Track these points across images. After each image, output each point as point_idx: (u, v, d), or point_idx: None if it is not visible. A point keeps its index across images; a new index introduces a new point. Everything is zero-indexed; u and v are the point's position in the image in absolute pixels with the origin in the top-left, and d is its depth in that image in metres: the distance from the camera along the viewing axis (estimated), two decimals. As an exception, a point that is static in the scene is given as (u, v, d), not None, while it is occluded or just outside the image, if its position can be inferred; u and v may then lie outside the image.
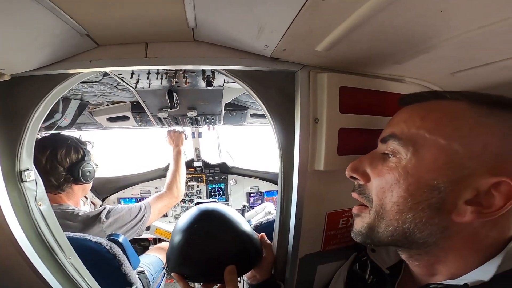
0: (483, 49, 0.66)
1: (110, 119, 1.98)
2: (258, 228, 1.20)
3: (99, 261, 1.17)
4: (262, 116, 2.09)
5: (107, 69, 0.77)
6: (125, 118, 1.99)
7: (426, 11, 0.52)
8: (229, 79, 1.28)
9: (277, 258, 0.97)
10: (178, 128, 2.09)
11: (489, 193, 0.50)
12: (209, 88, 1.33)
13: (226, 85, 1.37)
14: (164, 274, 2.01)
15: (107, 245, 1.19)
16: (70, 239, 1.03)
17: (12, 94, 0.79)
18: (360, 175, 0.64)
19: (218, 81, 1.31)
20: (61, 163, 1.35)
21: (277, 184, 2.64)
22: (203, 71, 1.15)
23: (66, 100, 1.67)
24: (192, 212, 0.96)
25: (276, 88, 0.84)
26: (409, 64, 0.78)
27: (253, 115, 2.09)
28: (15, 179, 0.83)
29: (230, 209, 0.98)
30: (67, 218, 1.33)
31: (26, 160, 0.84)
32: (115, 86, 1.49)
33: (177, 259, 0.89)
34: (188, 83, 1.23)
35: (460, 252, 0.55)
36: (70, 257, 0.98)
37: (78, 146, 1.42)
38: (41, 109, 0.81)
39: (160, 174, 2.70)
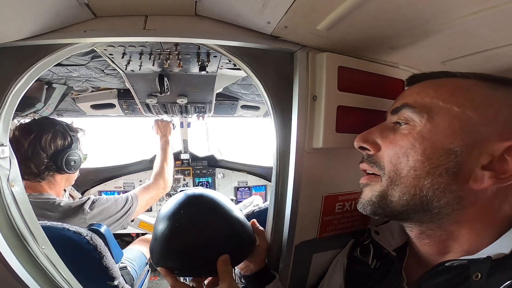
0: (474, 37, 0.69)
1: (94, 107, 1.91)
2: (250, 217, 1.14)
3: (78, 252, 1.10)
4: (253, 108, 2.09)
5: (101, 40, 0.74)
6: (111, 105, 1.92)
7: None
8: (223, 64, 1.29)
9: (272, 246, 0.94)
10: (166, 117, 2.05)
11: (502, 158, 0.51)
12: (202, 73, 1.32)
13: (219, 71, 1.35)
14: (148, 270, 1.97)
15: (87, 235, 1.11)
16: (46, 228, 0.96)
17: None
18: (370, 145, 0.63)
19: (212, 67, 1.30)
20: (44, 149, 1.28)
21: (265, 179, 2.64)
22: (198, 54, 1.13)
23: (50, 88, 1.60)
24: (177, 197, 0.86)
25: (274, 68, 0.83)
26: (403, 51, 0.80)
27: (243, 107, 2.08)
28: None
29: (219, 194, 0.90)
30: (47, 209, 1.26)
31: (2, 134, 0.78)
32: (103, 71, 1.44)
33: (162, 251, 0.79)
34: (181, 66, 1.21)
35: (473, 226, 0.55)
36: (43, 247, 0.90)
37: (66, 133, 1.35)
38: (23, 81, 0.76)
39: (145, 166, 2.63)
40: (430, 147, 0.54)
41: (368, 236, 0.81)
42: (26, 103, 1.53)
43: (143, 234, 2.38)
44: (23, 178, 1.25)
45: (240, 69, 1.33)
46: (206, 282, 0.89)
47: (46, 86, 1.59)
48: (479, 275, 0.49)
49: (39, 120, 1.33)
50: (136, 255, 1.86)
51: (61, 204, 1.28)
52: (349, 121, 0.79)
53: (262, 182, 2.79)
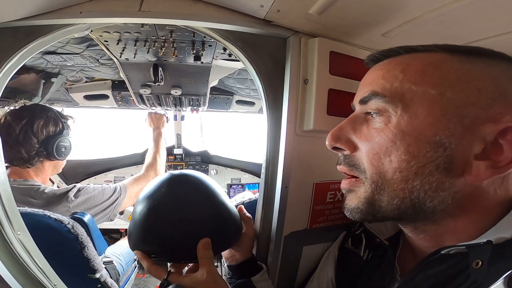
0: (465, 27, 0.71)
1: (88, 97, 1.91)
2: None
3: (57, 241, 1.05)
4: (248, 103, 2.10)
5: (97, 21, 0.74)
6: (104, 96, 1.92)
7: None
8: (218, 55, 1.30)
9: (261, 236, 0.91)
10: (159, 110, 2.05)
11: (496, 143, 0.45)
12: (197, 63, 1.33)
13: (214, 62, 1.36)
14: (136, 266, 1.93)
15: (68, 223, 1.06)
16: (25, 214, 0.93)
17: None
18: (344, 144, 0.56)
19: (207, 58, 1.31)
20: (36, 135, 1.27)
21: (259, 177, 2.64)
22: (193, 42, 1.14)
23: (47, 83, 1.60)
24: (161, 177, 0.82)
25: (266, 53, 0.84)
26: (396, 40, 0.80)
27: (239, 102, 2.09)
28: None
29: (206, 176, 0.86)
30: (30, 195, 1.24)
31: None
32: (98, 60, 1.44)
33: (139, 232, 0.74)
34: (176, 55, 1.21)
35: (470, 216, 0.49)
36: (19, 233, 0.86)
37: (58, 119, 1.34)
38: (15, 60, 0.75)
39: (137, 160, 2.61)
40: (414, 142, 0.47)
41: (360, 226, 0.77)
42: (23, 96, 1.53)
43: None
44: (12, 164, 1.26)
45: (235, 61, 1.37)
46: (186, 270, 0.85)
47: (44, 81, 1.59)
48: (480, 262, 0.43)
49: (31, 106, 1.32)
50: (124, 250, 1.82)
51: (46, 191, 1.26)
52: (341, 104, 0.79)
53: (255, 179, 2.79)
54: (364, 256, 0.72)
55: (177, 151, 2.67)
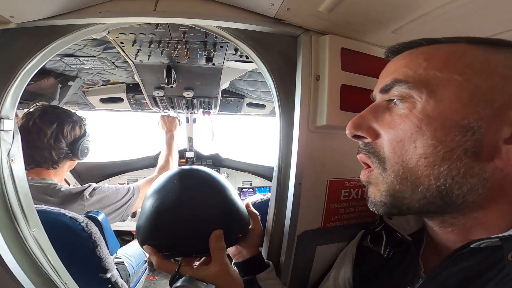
0: (476, 22, 0.70)
1: (103, 100, 1.96)
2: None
3: (71, 239, 1.06)
4: (259, 106, 2.11)
5: (115, 20, 0.77)
6: (119, 100, 1.97)
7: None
8: (229, 56, 1.32)
9: (273, 235, 0.90)
10: (172, 113, 2.08)
11: None
12: (208, 65, 1.35)
13: (225, 63, 1.39)
14: (146, 268, 1.95)
15: (83, 221, 1.08)
16: (42, 212, 0.94)
17: (11, 43, 0.77)
18: (365, 132, 0.54)
19: (218, 59, 1.33)
20: (65, 138, 1.33)
21: (270, 181, 2.62)
22: (205, 44, 1.16)
23: (64, 86, 1.66)
24: (171, 171, 0.83)
25: (277, 51, 0.85)
26: (405, 36, 0.79)
27: (249, 104, 2.11)
28: None
29: (216, 173, 0.86)
30: (47, 193, 1.28)
31: (9, 108, 0.80)
32: (113, 63, 1.49)
33: (149, 226, 0.74)
34: (188, 57, 1.24)
35: (501, 207, 0.47)
36: (34, 230, 0.87)
37: (80, 122, 1.40)
38: (37, 60, 0.78)
39: (150, 163, 2.66)
40: (441, 127, 0.46)
41: (380, 223, 0.75)
42: (41, 99, 1.59)
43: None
44: (40, 166, 1.31)
45: (246, 62, 1.38)
46: (196, 264, 0.84)
47: (61, 85, 1.65)
48: None
49: (55, 110, 1.37)
50: (136, 252, 1.84)
51: (62, 190, 1.30)
52: (354, 100, 0.79)
53: (266, 183, 2.78)
54: (384, 253, 0.69)
55: (188, 154, 2.70)
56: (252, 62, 1.38)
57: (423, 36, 0.59)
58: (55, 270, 0.91)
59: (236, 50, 1.26)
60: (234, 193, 0.84)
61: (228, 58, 1.34)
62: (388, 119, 0.52)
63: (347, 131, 0.57)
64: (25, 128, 1.24)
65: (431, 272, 0.54)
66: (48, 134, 1.28)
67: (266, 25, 0.80)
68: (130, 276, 1.60)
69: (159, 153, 2.46)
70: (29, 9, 0.70)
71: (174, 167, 1.85)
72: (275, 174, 0.90)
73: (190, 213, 0.74)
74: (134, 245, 1.96)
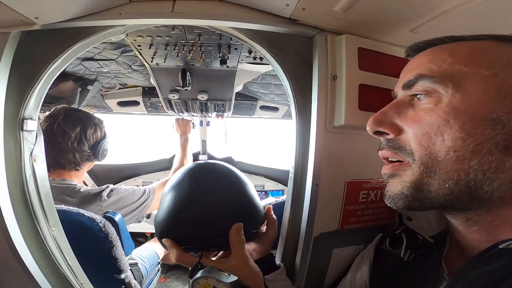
0: (497, 20, 0.68)
1: (120, 104, 2.01)
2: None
3: (89, 239, 1.09)
4: (272, 108, 2.12)
5: (134, 22, 0.79)
6: (135, 103, 2.02)
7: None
8: (243, 58, 1.33)
9: (288, 237, 0.89)
10: (186, 116, 2.11)
11: None
12: (222, 67, 1.37)
13: (239, 66, 1.40)
14: (159, 269, 1.96)
15: (100, 222, 1.11)
16: (61, 212, 0.95)
17: (36, 45, 0.80)
18: (388, 128, 0.54)
19: (232, 61, 1.35)
20: (88, 141, 1.38)
21: (283, 184, 2.59)
22: (219, 46, 1.17)
23: (84, 90, 1.71)
24: (188, 166, 0.84)
25: (293, 52, 0.85)
26: (424, 34, 0.78)
27: (263, 107, 2.11)
28: (15, 126, 0.81)
29: (234, 167, 0.87)
30: (67, 194, 1.32)
31: (32, 109, 0.82)
32: (130, 66, 1.53)
33: (169, 220, 0.75)
34: (203, 59, 1.26)
35: None
36: (53, 229, 0.89)
37: (100, 125, 1.45)
38: (60, 61, 0.81)
39: (164, 165, 2.69)
40: (469, 120, 0.45)
41: (400, 225, 0.73)
42: (62, 103, 1.64)
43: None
44: (63, 168, 1.35)
45: (260, 64, 1.39)
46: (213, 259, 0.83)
47: (80, 89, 1.71)
48: None
49: (78, 114, 1.41)
50: (149, 253, 1.87)
51: (81, 190, 1.34)
52: (372, 99, 0.78)
53: (279, 186, 2.77)
54: (405, 256, 0.68)
55: (202, 157, 2.72)
56: (266, 64, 1.40)
57: (443, 34, 0.58)
58: (72, 270, 0.92)
59: (250, 52, 1.27)
60: (252, 188, 0.84)
61: (242, 60, 1.35)
62: (411, 114, 0.52)
63: (368, 128, 0.57)
64: (50, 131, 1.29)
65: (456, 274, 0.51)
66: (72, 137, 1.33)
67: (281, 25, 0.80)
68: (143, 278, 1.61)
69: (173, 156, 2.49)
70: (53, 11, 0.72)
71: None
72: (291, 175, 0.89)
73: (210, 207, 0.74)
74: (148, 246, 1.99)
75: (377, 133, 0.56)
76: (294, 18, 0.80)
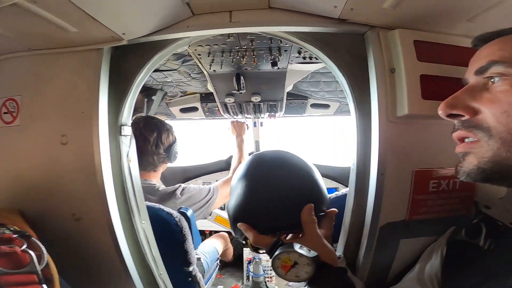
0: None
1: (182, 110, 2.21)
2: None
3: (166, 232, 1.20)
4: (323, 106, 2.12)
5: (200, 33, 0.90)
6: (195, 109, 2.19)
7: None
8: (293, 59, 1.38)
9: (352, 227, 0.90)
10: (240, 119, 2.23)
11: None
12: (273, 69, 1.44)
13: (289, 66, 1.45)
14: (217, 265, 2.08)
15: (176, 217, 1.23)
16: (146, 207, 1.06)
17: (124, 59, 0.94)
18: (462, 110, 0.57)
19: (282, 63, 1.41)
20: (163, 144, 1.56)
21: (337, 182, 2.51)
22: (270, 49, 1.25)
23: (149, 101, 1.93)
24: (255, 155, 0.89)
25: (345, 49, 0.88)
26: (482, 23, 0.75)
27: (313, 105, 2.12)
28: (116, 132, 0.95)
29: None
30: (149, 193, 1.50)
31: (126, 116, 0.97)
32: (190, 75, 1.68)
33: (243, 205, 0.80)
34: (256, 63, 1.35)
35: None
36: (143, 222, 1.00)
37: (172, 130, 1.63)
38: (143, 74, 0.95)
39: (222, 166, 2.80)
40: None
41: (477, 214, 0.71)
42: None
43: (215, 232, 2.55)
44: (145, 169, 1.54)
45: (309, 63, 1.42)
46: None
47: (146, 99, 1.94)
48: None
49: (153, 120, 1.61)
50: (210, 249, 2.00)
51: (160, 189, 1.53)
52: (436, 88, 0.77)
53: (332, 184, 2.72)
54: (485, 245, 0.65)
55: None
56: (316, 63, 1.43)
57: (502, 23, 0.62)
58: (155, 260, 1.03)
59: (299, 52, 1.32)
60: (318, 172, 0.87)
61: (292, 61, 1.41)
62: (487, 96, 0.55)
63: (440, 111, 0.60)
64: (133, 137, 1.50)
65: None
66: (151, 142, 1.52)
67: (331, 26, 0.85)
68: (204, 272, 1.73)
69: (229, 157, 2.63)
70: (136, 27, 0.85)
71: None
72: (353, 167, 0.91)
73: (282, 189, 0.79)
74: (209, 243, 2.13)
75: (451, 116, 0.60)
76: (343, 18, 0.83)
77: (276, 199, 0.78)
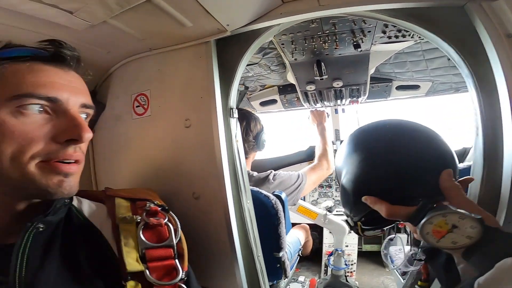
0: None
1: (262, 103, 2.31)
2: None
3: (263, 215, 1.20)
4: (411, 87, 1.96)
5: (292, 18, 0.94)
6: (273, 101, 2.27)
7: None
8: (377, 39, 1.33)
9: (482, 199, 0.82)
10: (319, 108, 2.22)
11: None
12: (356, 51, 1.41)
13: (373, 48, 1.41)
14: (298, 256, 2.06)
15: (273, 199, 1.27)
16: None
17: (227, 49, 1.04)
18: None
19: (365, 45, 1.37)
20: (252, 132, 1.66)
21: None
22: (353, 31, 1.23)
23: (239, 94, 2.05)
24: (367, 125, 0.80)
25: (447, 22, 0.84)
26: None
27: (399, 87, 1.98)
28: (227, 114, 1.03)
29: None
30: None
31: (233, 100, 1.06)
32: (269, 67, 1.76)
33: (369, 176, 0.70)
34: (338, 46, 1.34)
35: None
36: (248, 202, 1.04)
37: (258, 119, 1.72)
38: (243, 62, 1.04)
39: (301, 157, 2.78)
40: None
41: None
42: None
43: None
44: None
45: (395, 43, 1.35)
46: None
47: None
48: None
49: (242, 111, 1.67)
50: (293, 240, 2.00)
51: (254, 175, 1.63)
52: None
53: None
54: None
55: (335, 147, 2.74)
56: (402, 41, 1.35)
57: None
58: (255, 242, 1.06)
59: (383, 32, 1.27)
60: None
61: (375, 41, 1.36)
62: None
63: None
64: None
65: None
66: (241, 130, 1.58)
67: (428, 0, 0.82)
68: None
69: (309, 148, 2.64)
70: (238, 17, 0.93)
71: (331, 154, 1.91)
72: (480, 139, 0.85)
73: (413, 154, 0.69)
74: (292, 233, 2.13)
75: None
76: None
77: (408, 164, 0.67)
